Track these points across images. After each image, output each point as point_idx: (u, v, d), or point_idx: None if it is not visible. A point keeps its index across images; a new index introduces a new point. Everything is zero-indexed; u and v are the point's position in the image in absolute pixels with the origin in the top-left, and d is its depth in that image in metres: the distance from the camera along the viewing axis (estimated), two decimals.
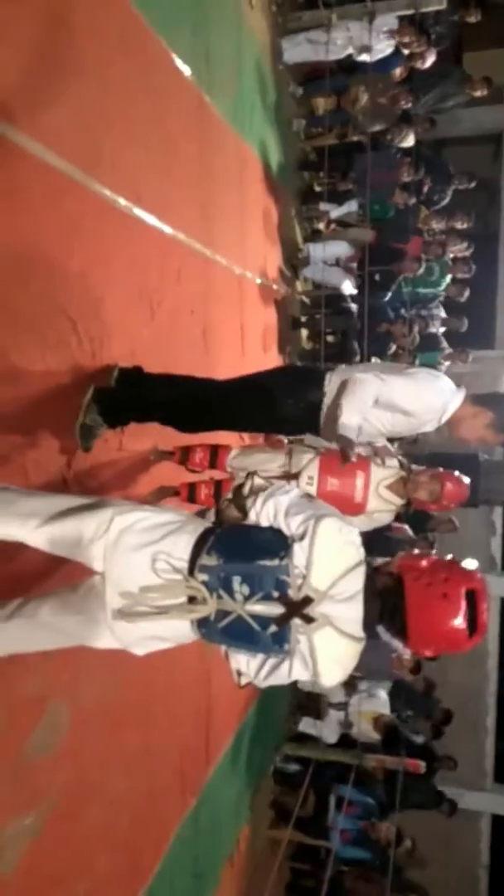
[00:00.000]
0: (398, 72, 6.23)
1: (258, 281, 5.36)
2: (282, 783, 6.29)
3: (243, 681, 1.88)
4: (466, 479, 3.33)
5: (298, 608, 1.70)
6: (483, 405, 2.79)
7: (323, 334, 6.49)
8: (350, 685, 6.21)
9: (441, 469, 3.27)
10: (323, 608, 1.71)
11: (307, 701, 6.74)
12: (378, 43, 5.79)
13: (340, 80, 6.29)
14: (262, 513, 1.83)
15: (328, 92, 6.33)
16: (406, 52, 6.04)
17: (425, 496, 3.21)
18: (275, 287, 5.81)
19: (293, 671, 1.77)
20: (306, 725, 6.53)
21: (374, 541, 3.18)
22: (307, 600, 1.70)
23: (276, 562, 1.73)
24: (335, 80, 6.25)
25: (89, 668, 2.90)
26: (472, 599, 1.72)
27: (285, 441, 3.45)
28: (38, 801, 2.60)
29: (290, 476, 3.18)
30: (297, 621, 1.71)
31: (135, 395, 2.90)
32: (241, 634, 1.77)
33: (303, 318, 6.70)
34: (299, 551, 1.72)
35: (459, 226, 6.59)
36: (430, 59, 6.08)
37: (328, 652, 1.73)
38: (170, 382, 2.98)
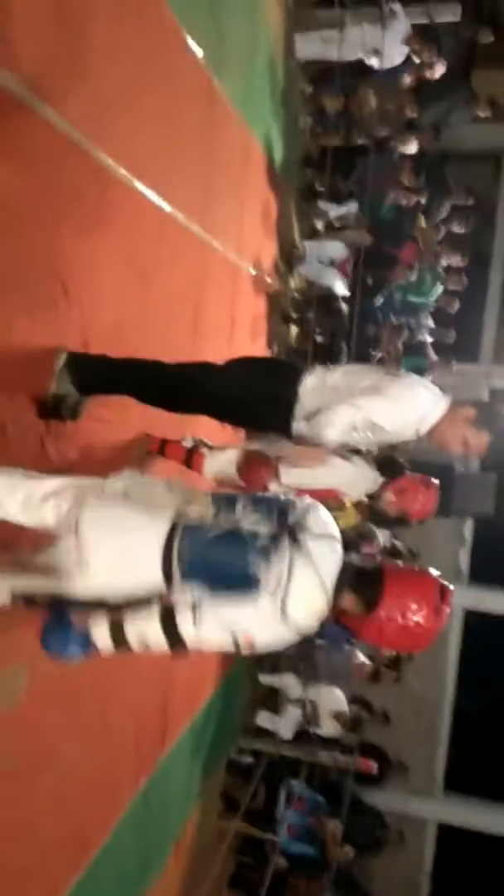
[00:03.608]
0: (407, 79, 6.29)
1: (252, 271, 5.37)
2: (234, 774, 6.29)
3: None
4: (435, 485, 3.40)
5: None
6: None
7: (313, 333, 6.52)
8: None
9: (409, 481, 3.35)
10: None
11: (266, 695, 6.75)
12: (390, 48, 5.83)
13: (350, 82, 6.33)
14: None
15: (337, 92, 6.36)
16: (416, 60, 6.11)
17: (394, 513, 3.38)
18: (268, 280, 5.82)
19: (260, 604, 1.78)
20: (263, 720, 6.54)
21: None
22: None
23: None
24: (345, 81, 6.29)
25: None
26: (444, 593, 1.88)
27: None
28: None
29: None
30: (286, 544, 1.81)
31: (107, 364, 2.82)
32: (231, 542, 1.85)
33: (294, 315, 6.72)
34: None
35: (456, 229, 6.64)
36: (440, 71, 6.15)
37: (303, 586, 1.78)
38: (135, 364, 2.87)
